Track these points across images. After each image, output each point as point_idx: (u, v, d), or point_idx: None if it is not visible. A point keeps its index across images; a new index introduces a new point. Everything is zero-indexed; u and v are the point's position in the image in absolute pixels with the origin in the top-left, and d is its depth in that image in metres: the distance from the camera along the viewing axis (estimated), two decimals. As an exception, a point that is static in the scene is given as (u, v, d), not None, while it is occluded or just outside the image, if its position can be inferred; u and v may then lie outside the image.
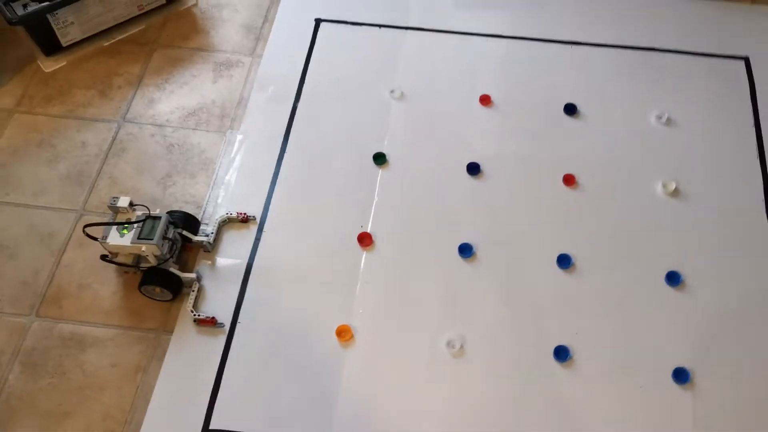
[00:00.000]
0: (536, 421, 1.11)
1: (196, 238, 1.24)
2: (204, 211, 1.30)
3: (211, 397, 1.13)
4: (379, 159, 1.37)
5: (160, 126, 1.42)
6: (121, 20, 1.53)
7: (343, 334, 1.18)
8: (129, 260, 1.19)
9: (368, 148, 1.38)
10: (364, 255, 1.26)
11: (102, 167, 1.37)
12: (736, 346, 1.17)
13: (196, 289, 1.21)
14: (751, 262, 1.26)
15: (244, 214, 1.29)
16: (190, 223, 1.26)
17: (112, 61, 1.51)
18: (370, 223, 1.30)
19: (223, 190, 1.33)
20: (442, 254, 1.26)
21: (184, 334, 1.18)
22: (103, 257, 1.19)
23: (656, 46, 1.53)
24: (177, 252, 1.22)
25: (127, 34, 1.55)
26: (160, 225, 1.16)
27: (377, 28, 1.56)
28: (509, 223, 1.30)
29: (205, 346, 1.17)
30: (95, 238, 1.16)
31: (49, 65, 1.50)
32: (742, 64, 1.51)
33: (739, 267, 1.25)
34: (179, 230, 1.22)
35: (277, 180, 1.35)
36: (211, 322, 1.18)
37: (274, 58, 1.52)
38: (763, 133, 1.41)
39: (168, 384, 1.14)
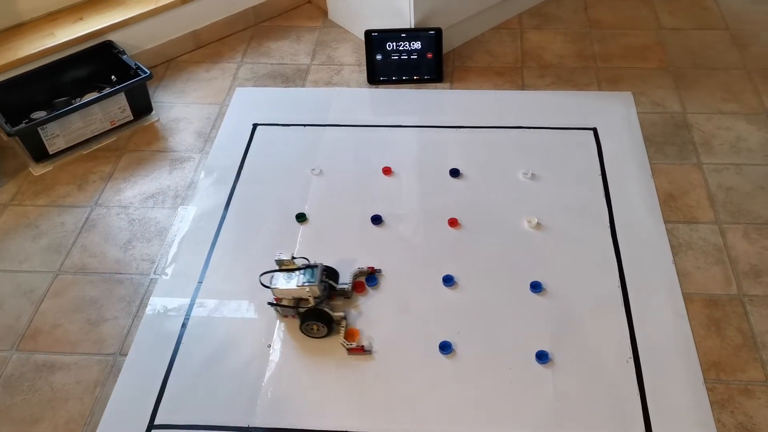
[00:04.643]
0: (425, 398, 1.35)
1: (338, 286, 1.50)
2: (157, 265, 1.61)
3: (156, 399, 1.37)
4: (301, 217, 1.70)
5: (125, 207, 1.76)
6: (97, 133, 1.93)
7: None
8: (291, 303, 1.45)
9: (292, 210, 1.72)
10: (286, 287, 1.56)
11: (76, 239, 1.69)
12: (582, 333, 1.45)
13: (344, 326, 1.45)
14: (595, 273, 1.56)
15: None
16: (333, 274, 1.52)
17: (89, 164, 1.89)
18: (292, 264, 1.60)
19: (174, 248, 1.65)
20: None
21: (137, 353, 1.45)
22: (270, 303, 1.46)
23: (523, 125, 1.93)
24: (327, 295, 1.47)
25: (102, 144, 1.94)
26: (319, 270, 1.44)
27: (303, 126, 1.97)
28: (405, 256, 1.61)
29: (153, 363, 1.43)
30: (267, 286, 1.45)
31: (38, 170, 1.87)
32: (591, 132, 1.91)
33: (586, 277, 1.55)
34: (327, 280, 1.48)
35: (217, 240, 1.67)
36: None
37: (219, 152, 1.90)
38: (608, 181, 1.77)
39: (122, 392, 1.39)
